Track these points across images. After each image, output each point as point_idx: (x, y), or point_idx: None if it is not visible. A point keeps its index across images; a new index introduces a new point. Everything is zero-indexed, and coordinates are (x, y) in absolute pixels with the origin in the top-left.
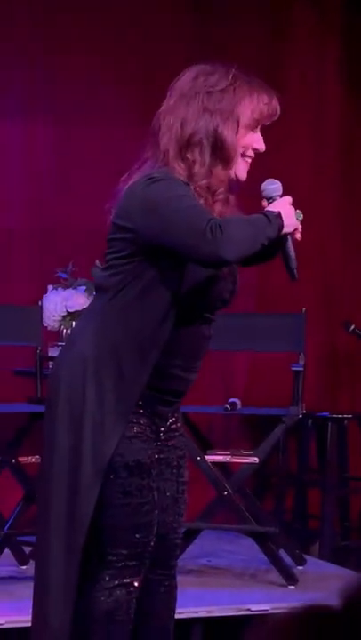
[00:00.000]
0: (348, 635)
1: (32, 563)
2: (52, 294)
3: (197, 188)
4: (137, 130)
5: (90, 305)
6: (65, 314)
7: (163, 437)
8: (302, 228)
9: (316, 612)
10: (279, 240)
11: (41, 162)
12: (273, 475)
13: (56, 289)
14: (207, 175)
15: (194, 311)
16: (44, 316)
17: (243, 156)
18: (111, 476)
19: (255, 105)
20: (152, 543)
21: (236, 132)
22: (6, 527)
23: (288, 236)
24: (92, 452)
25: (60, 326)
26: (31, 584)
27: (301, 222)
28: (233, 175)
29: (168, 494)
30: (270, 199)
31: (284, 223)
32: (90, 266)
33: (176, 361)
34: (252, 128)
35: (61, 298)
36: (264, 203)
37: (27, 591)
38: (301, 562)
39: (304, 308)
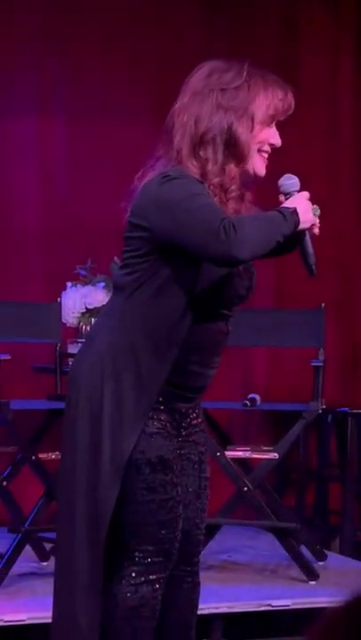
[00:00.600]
0: None
1: (53, 559)
2: (70, 291)
3: (211, 186)
4: (152, 129)
5: (107, 303)
6: (84, 310)
7: (184, 433)
8: (320, 224)
9: None
10: (297, 236)
11: (56, 162)
12: (293, 470)
13: (75, 286)
14: (220, 173)
15: (210, 308)
16: (63, 313)
17: (259, 151)
18: (134, 473)
19: (270, 101)
20: (178, 539)
21: (252, 129)
22: (27, 523)
23: (306, 232)
24: (111, 451)
25: (79, 323)
26: (52, 580)
27: (319, 217)
28: (251, 171)
29: (190, 490)
30: (288, 195)
31: (301, 219)
32: (108, 262)
33: (194, 357)
34: (267, 124)
35: (80, 295)
36: (281, 198)
37: (48, 587)
38: (322, 557)
39: (323, 304)
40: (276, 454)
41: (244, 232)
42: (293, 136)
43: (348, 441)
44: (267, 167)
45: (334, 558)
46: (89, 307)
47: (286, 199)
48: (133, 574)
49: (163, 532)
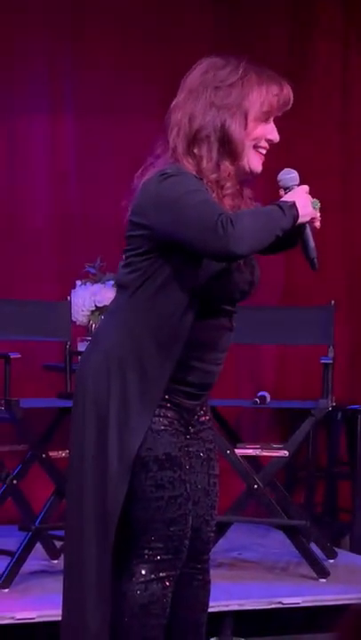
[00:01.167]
0: None
1: (63, 557)
2: (80, 289)
3: (208, 183)
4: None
5: (112, 302)
6: (93, 308)
7: (192, 430)
8: (329, 219)
9: None
10: (297, 229)
11: (66, 161)
12: (303, 468)
13: (84, 284)
14: (215, 170)
15: (212, 304)
16: (72, 311)
17: (256, 147)
18: (142, 471)
19: (264, 97)
20: (188, 536)
21: (246, 126)
22: (37, 521)
23: (307, 226)
24: (118, 450)
25: (88, 321)
26: (62, 578)
27: (322, 211)
28: (247, 168)
29: (199, 487)
30: (287, 189)
31: (300, 213)
32: (117, 260)
33: (195, 353)
34: (262, 120)
35: (90, 293)
36: (281, 192)
37: (58, 585)
38: (332, 555)
39: (333, 301)
40: (285, 452)
41: (242, 227)
42: (305, 127)
43: (357, 438)
44: (277, 161)
45: (344, 556)
46: (98, 305)
47: (286, 193)
48: (143, 572)
49: (172, 529)
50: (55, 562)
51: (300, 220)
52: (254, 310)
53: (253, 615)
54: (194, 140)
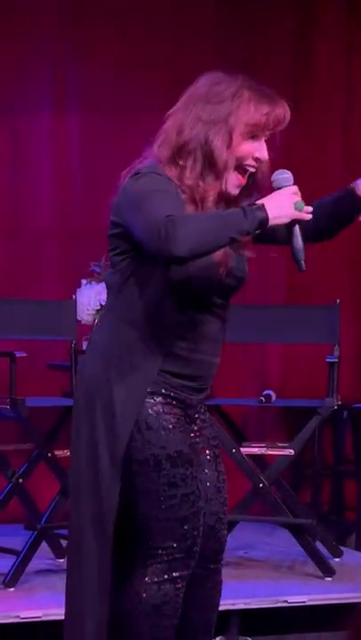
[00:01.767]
0: None
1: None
2: (85, 288)
3: (183, 186)
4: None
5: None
6: (98, 307)
7: (196, 428)
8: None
9: None
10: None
11: (70, 160)
12: (309, 467)
13: (90, 283)
14: (196, 184)
15: (197, 298)
16: (78, 310)
17: (241, 167)
18: (155, 469)
19: (251, 114)
20: (200, 535)
21: (230, 144)
22: (43, 520)
23: (296, 227)
24: (108, 448)
25: (94, 320)
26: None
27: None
28: (223, 188)
29: (209, 484)
30: (280, 189)
31: (272, 215)
32: None
33: (191, 345)
34: (248, 137)
35: (95, 292)
36: None
37: (63, 584)
38: (338, 554)
39: (338, 300)
40: (291, 450)
41: (185, 230)
42: (308, 127)
43: None
44: (283, 161)
45: (350, 554)
46: (103, 303)
47: None
48: (157, 572)
49: (185, 527)
50: (61, 561)
51: (273, 221)
52: (260, 309)
53: (259, 614)
54: (179, 151)
